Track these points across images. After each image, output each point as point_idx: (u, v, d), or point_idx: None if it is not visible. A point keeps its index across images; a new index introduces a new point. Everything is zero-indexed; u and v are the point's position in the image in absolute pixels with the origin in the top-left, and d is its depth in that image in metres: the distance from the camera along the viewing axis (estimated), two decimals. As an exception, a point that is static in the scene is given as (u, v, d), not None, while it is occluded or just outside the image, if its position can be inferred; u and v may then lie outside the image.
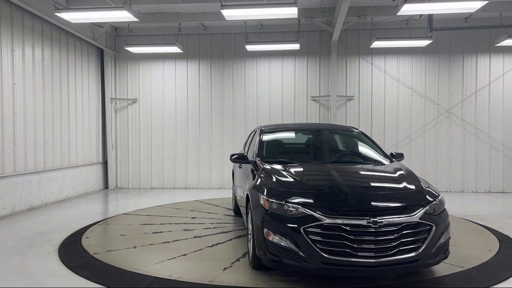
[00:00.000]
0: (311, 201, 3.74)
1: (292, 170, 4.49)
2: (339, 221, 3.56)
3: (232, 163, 7.53)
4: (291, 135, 6.05)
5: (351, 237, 3.53)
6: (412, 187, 4.07)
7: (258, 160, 4.88)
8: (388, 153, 5.27)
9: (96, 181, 10.30)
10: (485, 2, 6.72)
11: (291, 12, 7.00)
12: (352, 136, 5.77)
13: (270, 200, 3.87)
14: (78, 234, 5.80)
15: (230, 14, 7.18)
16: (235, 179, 6.67)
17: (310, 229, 3.58)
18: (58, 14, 7.19)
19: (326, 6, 9.02)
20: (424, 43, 9.27)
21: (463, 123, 10.03)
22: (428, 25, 9.19)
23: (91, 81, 10.05)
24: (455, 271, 4.20)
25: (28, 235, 5.78)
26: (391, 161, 5.01)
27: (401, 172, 4.46)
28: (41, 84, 8.13)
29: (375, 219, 3.55)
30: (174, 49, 9.66)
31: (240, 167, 5.77)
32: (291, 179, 4.21)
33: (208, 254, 4.83)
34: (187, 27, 10.29)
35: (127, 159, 10.76)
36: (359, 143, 5.61)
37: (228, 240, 5.43)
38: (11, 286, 3.93)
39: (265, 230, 3.78)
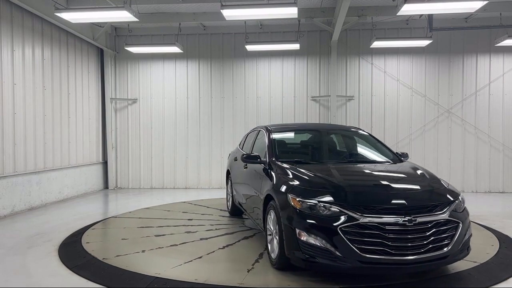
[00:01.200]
0: (345, 200, 3.74)
1: (315, 169, 4.49)
2: (376, 219, 3.60)
3: (225, 163, 7.54)
4: (300, 135, 5.98)
5: (388, 235, 3.57)
6: (437, 185, 4.20)
7: (274, 160, 4.84)
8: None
9: (96, 181, 10.30)
10: (485, 2, 6.71)
11: (291, 12, 7.00)
12: (360, 136, 5.85)
13: (301, 200, 3.84)
14: (78, 234, 5.79)
15: (230, 14, 7.18)
16: (234, 179, 6.59)
17: (346, 228, 3.58)
18: (58, 14, 7.19)
19: (326, 6, 9.03)
20: (424, 43, 9.27)
21: (463, 123, 10.04)
22: (428, 25, 9.19)
23: (91, 81, 10.05)
24: (470, 266, 4.32)
25: (28, 235, 5.78)
26: (401, 161, 5.12)
27: (421, 171, 4.59)
28: (41, 84, 8.13)
29: (410, 217, 3.60)
30: (174, 49, 9.66)
31: (246, 168, 5.68)
32: (319, 179, 4.18)
33: (224, 256, 4.79)
34: (187, 27, 10.30)
35: (127, 159, 10.77)
36: (369, 143, 5.69)
37: (236, 242, 5.38)
38: (11, 286, 3.93)
39: (297, 230, 3.75)
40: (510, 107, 9.92)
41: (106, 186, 10.68)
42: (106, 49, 10.30)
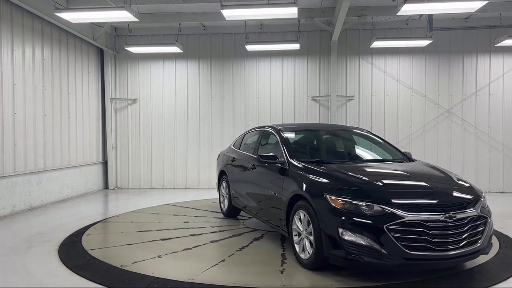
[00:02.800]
0: (387, 199, 3.80)
1: (343, 169, 4.49)
2: (420, 217, 3.69)
3: (216, 163, 7.51)
4: (310, 135, 5.92)
5: (430, 232, 3.67)
6: (462, 183, 4.35)
7: (294, 160, 4.81)
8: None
9: (96, 181, 10.30)
10: (485, 2, 6.71)
11: (291, 12, 7.00)
12: (365, 137, 5.92)
13: (343, 199, 3.86)
14: (78, 234, 5.79)
15: (230, 14, 7.18)
16: (234, 180, 6.48)
17: (392, 227, 3.65)
18: (58, 14, 7.19)
19: (326, 6, 9.02)
20: (424, 43, 9.26)
21: (463, 123, 10.04)
22: (428, 25, 9.19)
23: (91, 81, 10.05)
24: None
25: (28, 235, 5.78)
26: (412, 160, 5.30)
27: (442, 170, 4.79)
28: (41, 84, 8.13)
29: (449, 214, 3.74)
30: (174, 49, 9.66)
31: (254, 168, 5.61)
32: (354, 178, 4.19)
33: (246, 259, 4.69)
34: (187, 27, 10.30)
35: (127, 159, 10.76)
36: (377, 143, 5.77)
37: (250, 243, 5.31)
38: (11, 286, 3.93)
39: (339, 230, 3.78)
40: (510, 107, 9.92)
41: (106, 186, 10.68)
42: (106, 49, 10.30)
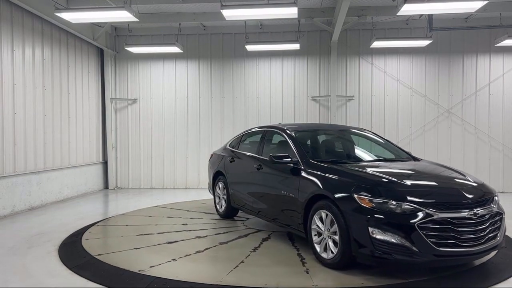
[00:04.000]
0: (415, 197, 3.87)
1: (363, 168, 4.55)
2: (448, 215, 3.80)
3: (210, 164, 7.43)
4: (317, 135, 5.89)
5: (457, 229, 3.79)
6: (478, 181, 4.46)
7: (309, 160, 4.80)
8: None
9: (96, 181, 10.30)
10: (485, 2, 6.71)
11: (291, 12, 7.00)
12: (368, 136, 5.97)
13: (372, 199, 3.88)
14: (78, 234, 5.79)
15: (230, 14, 7.18)
16: (234, 181, 6.40)
17: (422, 224, 3.72)
18: (58, 14, 7.19)
19: (326, 6, 9.03)
20: (424, 43, 9.27)
21: (463, 123, 10.04)
22: (428, 25, 9.19)
23: (91, 81, 10.05)
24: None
25: (28, 235, 5.78)
26: (418, 159, 5.41)
27: (454, 168, 4.91)
28: (41, 84, 8.13)
29: (474, 211, 3.88)
30: (174, 49, 9.66)
31: (260, 169, 5.57)
32: (377, 177, 4.22)
33: (264, 260, 4.63)
34: (187, 27, 10.30)
35: (127, 159, 10.76)
36: (381, 143, 5.82)
37: (260, 244, 5.25)
38: (11, 286, 3.93)
39: (370, 229, 3.80)
40: (510, 107, 9.92)
41: (106, 186, 10.68)
42: (106, 49, 10.30)
